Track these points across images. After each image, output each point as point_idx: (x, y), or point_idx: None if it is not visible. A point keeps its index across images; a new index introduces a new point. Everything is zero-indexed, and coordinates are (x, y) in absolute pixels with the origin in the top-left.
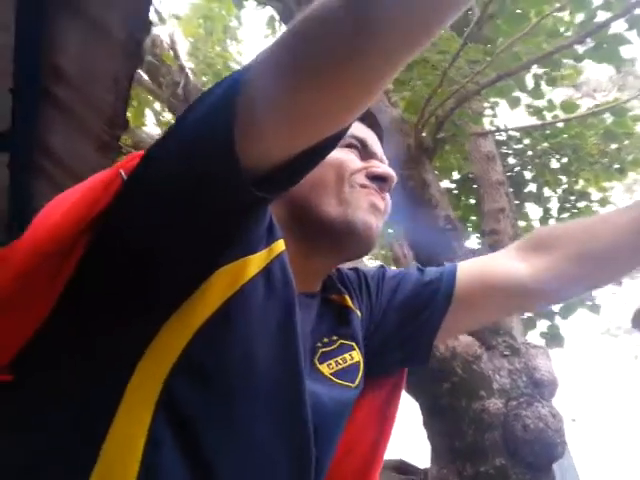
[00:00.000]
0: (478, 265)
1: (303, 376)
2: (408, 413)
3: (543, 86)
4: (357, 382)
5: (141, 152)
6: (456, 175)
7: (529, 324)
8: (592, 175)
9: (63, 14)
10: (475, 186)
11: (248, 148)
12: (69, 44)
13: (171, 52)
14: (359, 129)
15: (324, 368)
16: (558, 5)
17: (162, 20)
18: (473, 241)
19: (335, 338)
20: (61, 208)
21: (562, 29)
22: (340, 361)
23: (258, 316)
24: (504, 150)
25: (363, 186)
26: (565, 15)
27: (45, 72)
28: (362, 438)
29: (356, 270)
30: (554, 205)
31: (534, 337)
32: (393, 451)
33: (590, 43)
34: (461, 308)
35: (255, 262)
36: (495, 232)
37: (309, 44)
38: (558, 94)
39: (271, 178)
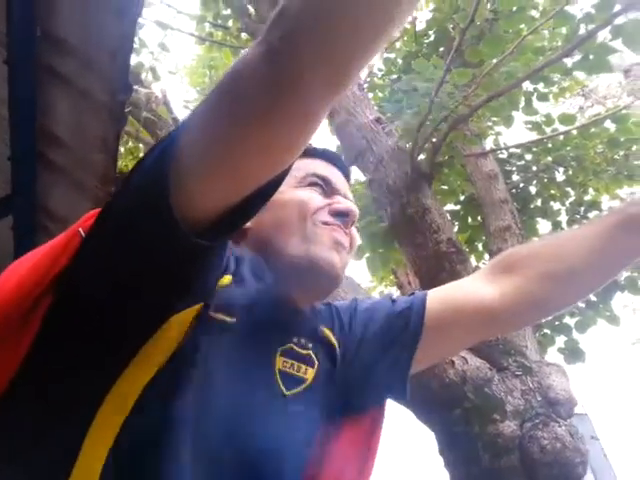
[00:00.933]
0: (448, 291)
1: (254, 420)
2: (424, 442)
3: (545, 99)
4: (290, 392)
5: (98, 210)
6: (461, 197)
7: (547, 341)
8: (601, 184)
9: (52, 84)
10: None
11: (186, 201)
12: (59, 111)
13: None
14: (322, 167)
15: (279, 361)
16: (539, 23)
17: (156, 77)
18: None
19: (310, 346)
20: (22, 270)
21: (547, 45)
22: (296, 366)
23: (207, 365)
24: (507, 168)
25: (326, 223)
26: (547, 32)
27: (40, 138)
28: (346, 472)
29: (328, 305)
30: (563, 218)
31: (553, 354)
32: None
33: (577, 55)
34: (433, 337)
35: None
36: (503, 251)
37: (232, 97)
38: (567, 105)
39: (216, 226)
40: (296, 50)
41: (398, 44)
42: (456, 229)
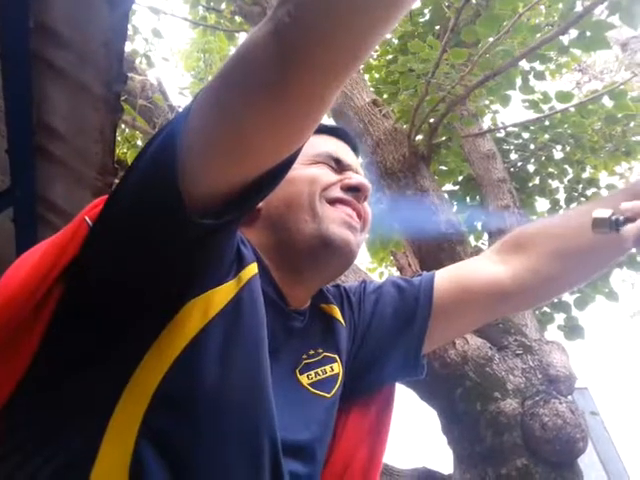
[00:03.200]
0: (456, 272)
1: (271, 396)
2: (428, 420)
3: (542, 77)
4: (332, 392)
5: (105, 197)
6: (459, 177)
7: (546, 319)
8: (599, 162)
9: (47, 76)
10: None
11: (196, 182)
12: (56, 103)
13: (160, 94)
14: (331, 143)
15: (303, 379)
16: (535, 1)
17: (151, 64)
18: (485, 240)
19: (320, 350)
20: (31, 261)
21: (543, 21)
22: (320, 372)
23: (227, 346)
24: (505, 147)
25: (338, 199)
26: (543, 10)
27: (37, 131)
28: (357, 455)
29: (337, 286)
30: (562, 196)
31: (553, 331)
32: (416, 459)
33: (573, 33)
34: (442, 317)
35: (224, 292)
36: (502, 230)
37: (242, 73)
38: (564, 81)
39: (227, 208)
40: (305, 26)
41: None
42: (455, 209)
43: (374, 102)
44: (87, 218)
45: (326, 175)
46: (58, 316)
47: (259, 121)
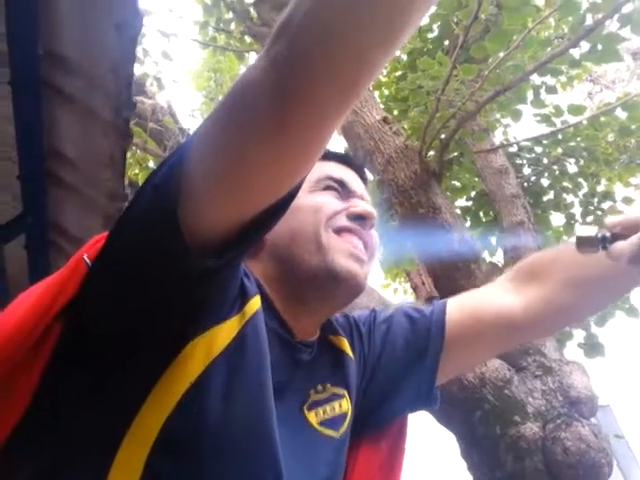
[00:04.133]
0: (468, 302)
1: (275, 440)
2: (447, 444)
3: (553, 92)
4: (342, 431)
5: (104, 234)
6: (472, 193)
7: (565, 337)
8: (614, 174)
9: (57, 102)
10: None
11: (197, 219)
12: (66, 129)
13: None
14: (336, 169)
15: (311, 416)
16: (545, 15)
17: (161, 86)
18: (499, 256)
19: (328, 386)
20: (28, 301)
21: (552, 33)
22: (328, 409)
23: (231, 387)
24: (518, 161)
25: (344, 228)
26: (552, 22)
27: (48, 157)
28: None
29: (346, 316)
30: (577, 210)
31: (573, 349)
32: None
33: (585, 46)
34: (455, 349)
35: (227, 330)
36: (516, 247)
37: (241, 109)
38: (576, 92)
39: (229, 244)
40: (301, 62)
41: None
42: (468, 224)
43: (384, 119)
44: (86, 257)
45: (331, 203)
46: (58, 354)
47: (259, 158)
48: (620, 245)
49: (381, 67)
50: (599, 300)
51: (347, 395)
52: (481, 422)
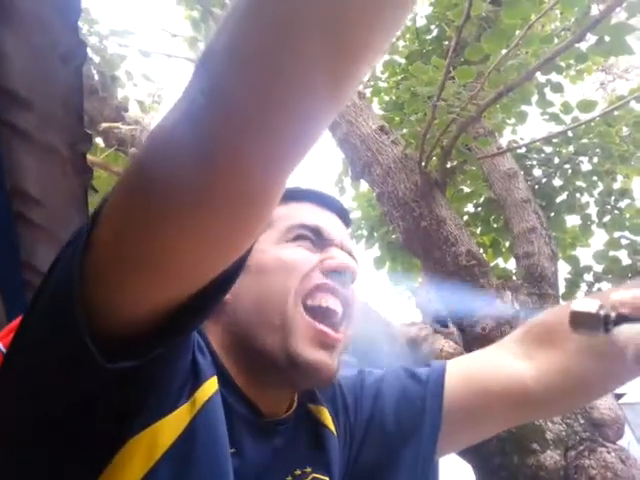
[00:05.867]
0: (470, 368)
1: None
2: (463, 475)
3: (559, 90)
4: None
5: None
6: (480, 199)
7: None
8: (630, 170)
9: (13, 140)
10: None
11: (107, 310)
12: (26, 167)
13: None
14: (310, 214)
15: None
16: (547, 7)
17: (144, 109)
18: (512, 264)
19: (308, 470)
20: None
21: (558, 26)
22: None
23: None
24: (527, 163)
25: (316, 287)
26: (558, 14)
27: (14, 197)
28: None
29: None
30: (593, 210)
31: None
32: None
33: (591, 38)
34: (454, 424)
35: (174, 423)
36: (529, 255)
37: (150, 180)
38: (587, 83)
39: (150, 340)
40: (224, 108)
41: (400, 43)
42: (479, 230)
43: (381, 128)
44: (0, 345)
45: (303, 260)
46: None
47: (182, 234)
48: (627, 331)
49: (329, 118)
50: (625, 371)
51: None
52: (498, 451)
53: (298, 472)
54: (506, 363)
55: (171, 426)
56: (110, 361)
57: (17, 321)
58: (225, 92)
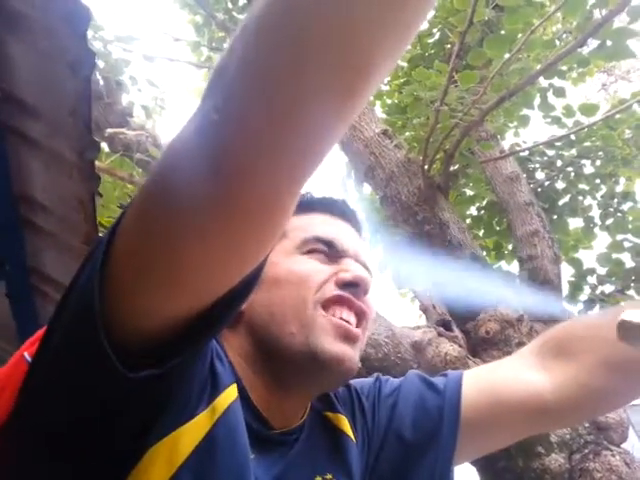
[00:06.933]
0: (487, 379)
1: None
2: (469, 478)
3: (561, 94)
4: None
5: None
6: (483, 202)
7: None
8: (633, 173)
9: (21, 147)
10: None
11: (131, 319)
12: (34, 174)
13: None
14: (324, 225)
15: None
16: (549, 13)
17: (149, 115)
18: (515, 267)
19: (329, 477)
20: None
21: (560, 28)
22: None
23: None
24: (529, 166)
25: (332, 300)
26: (559, 17)
27: (21, 203)
28: None
29: (348, 387)
30: (596, 213)
31: None
32: None
33: (593, 43)
34: (471, 434)
35: (194, 430)
36: (533, 258)
37: (167, 194)
38: (589, 84)
39: (169, 349)
40: (237, 124)
41: None
42: (481, 233)
43: (384, 132)
44: (26, 354)
45: (317, 272)
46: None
47: (198, 245)
48: None
49: (341, 131)
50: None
51: None
52: (502, 454)
53: (319, 479)
54: (523, 375)
55: (191, 434)
56: (131, 371)
57: (42, 331)
58: (237, 109)
